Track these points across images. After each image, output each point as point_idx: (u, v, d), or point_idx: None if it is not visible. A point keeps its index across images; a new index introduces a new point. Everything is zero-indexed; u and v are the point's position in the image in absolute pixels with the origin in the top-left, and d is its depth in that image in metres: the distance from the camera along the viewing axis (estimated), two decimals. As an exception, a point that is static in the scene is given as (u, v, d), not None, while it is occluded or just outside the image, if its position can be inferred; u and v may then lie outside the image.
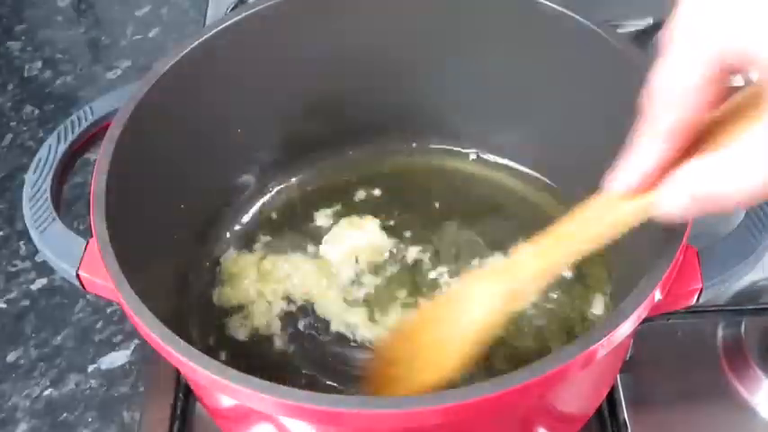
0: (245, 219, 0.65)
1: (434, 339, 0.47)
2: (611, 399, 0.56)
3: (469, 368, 0.45)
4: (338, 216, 0.64)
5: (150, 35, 0.91)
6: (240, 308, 0.60)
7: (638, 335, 0.49)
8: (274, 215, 0.65)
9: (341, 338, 0.58)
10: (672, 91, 0.35)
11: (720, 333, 0.60)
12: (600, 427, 0.56)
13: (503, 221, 0.63)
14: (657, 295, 0.42)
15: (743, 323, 0.59)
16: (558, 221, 0.42)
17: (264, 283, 0.61)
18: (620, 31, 0.79)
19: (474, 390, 0.38)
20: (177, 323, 0.56)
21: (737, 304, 0.61)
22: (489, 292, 0.45)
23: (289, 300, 0.60)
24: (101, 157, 0.49)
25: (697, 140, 0.36)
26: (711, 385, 0.57)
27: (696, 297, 0.45)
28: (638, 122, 0.37)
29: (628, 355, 0.56)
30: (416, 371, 0.47)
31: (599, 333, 0.40)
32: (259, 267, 0.61)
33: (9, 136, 0.81)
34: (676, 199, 0.35)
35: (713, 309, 0.60)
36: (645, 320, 0.42)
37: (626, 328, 0.41)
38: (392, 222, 0.63)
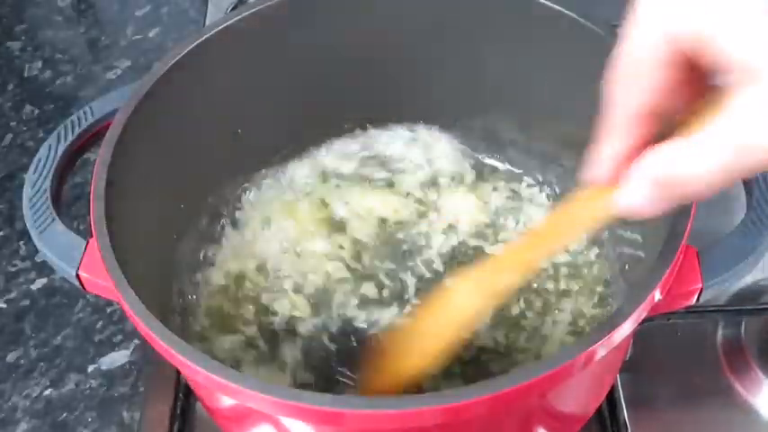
0: (247, 219, 0.65)
1: (425, 332, 0.50)
2: (611, 399, 0.56)
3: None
4: (338, 218, 0.64)
5: (150, 35, 0.91)
6: (236, 310, 0.60)
7: (638, 335, 0.49)
8: (276, 217, 0.65)
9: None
10: (629, 74, 0.35)
11: (720, 333, 0.60)
12: (600, 427, 0.56)
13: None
14: (657, 295, 0.42)
15: (743, 323, 0.60)
16: (538, 222, 0.44)
17: (261, 286, 0.60)
18: (620, 30, 0.79)
19: (474, 390, 0.38)
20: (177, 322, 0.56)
21: (737, 304, 0.61)
22: (474, 291, 0.47)
23: (287, 305, 0.60)
24: (101, 157, 0.49)
25: (666, 134, 0.36)
26: (711, 385, 0.57)
27: (696, 297, 0.45)
28: (602, 110, 0.37)
29: (628, 355, 0.56)
30: (408, 359, 0.50)
31: (599, 333, 0.40)
32: (257, 269, 0.61)
33: (9, 136, 0.81)
34: (639, 186, 0.35)
35: (713, 309, 0.60)
36: (645, 320, 0.42)
37: (626, 328, 0.41)
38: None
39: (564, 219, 0.43)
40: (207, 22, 0.87)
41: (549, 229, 0.45)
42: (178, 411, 0.58)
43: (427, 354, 0.48)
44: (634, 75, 0.35)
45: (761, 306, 0.60)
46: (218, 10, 0.87)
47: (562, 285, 0.59)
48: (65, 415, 0.61)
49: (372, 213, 0.64)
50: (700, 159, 0.32)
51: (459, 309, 0.48)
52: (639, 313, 0.41)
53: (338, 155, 0.67)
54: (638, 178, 0.35)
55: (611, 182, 0.38)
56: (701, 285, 0.44)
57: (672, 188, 0.34)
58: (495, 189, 0.65)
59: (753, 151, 0.31)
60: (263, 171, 0.65)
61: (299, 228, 0.64)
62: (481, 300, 0.47)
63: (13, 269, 0.70)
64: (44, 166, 0.52)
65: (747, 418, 0.56)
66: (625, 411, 0.56)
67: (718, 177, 0.32)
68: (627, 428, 0.55)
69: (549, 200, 0.64)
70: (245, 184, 0.65)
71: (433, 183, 0.65)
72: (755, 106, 0.31)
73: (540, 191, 0.64)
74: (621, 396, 0.56)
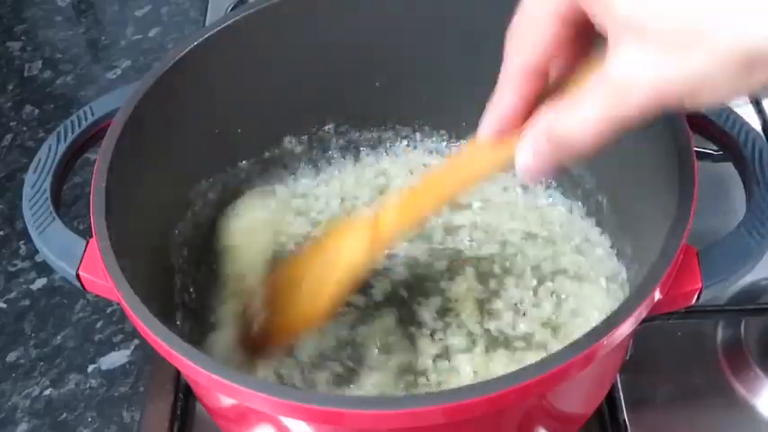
0: (245, 218, 0.65)
1: (312, 278, 0.52)
2: (611, 399, 0.56)
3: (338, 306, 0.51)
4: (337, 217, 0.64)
5: (150, 35, 0.91)
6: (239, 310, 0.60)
7: (638, 335, 0.49)
8: (276, 217, 0.65)
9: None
10: (523, 29, 0.38)
11: (720, 333, 0.60)
12: (599, 427, 0.56)
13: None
14: (657, 295, 0.42)
15: (743, 323, 0.59)
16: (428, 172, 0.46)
17: (263, 286, 0.60)
18: None
19: (474, 390, 0.38)
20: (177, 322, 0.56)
21: (737, 304, 0.61)
22: (356, 243, 0.49)
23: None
24: (101, 157, 0.49)
25: (555, 95, 0.38)
26: (711, 385, 0.57)
27: (696, 297, 0.45)
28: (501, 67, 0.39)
29: (628, 355, 0.56)
30: (297, 304, 0.52)
31: (599, 333, 0.40)
32: (258, 269, 0.61)
33: (9, 136, 0.81)
34: (531, 143, 0.37)
35: (713, 309, 0.60)
36: (645, 320, 0.42)
37: (626, 327, 0.41)
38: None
39: (454, 170, 0.45)
40: (207, 22, 0.87)
41: (438, 181, 0.46)
42: (178, 411, 0.58)
43: (316, 300, 0.51)
44: (527, 29, 0.37)
45: (761, 306, 0.60)
46: (218, 10, 0.87)
47: None
48: (65, 415, 0.61)
49: None
50: (579, 114, 0.35)
51: (350, 253, 0.49)
52: (639, 313, 0.41)
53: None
54: (530, 136, 0.37)
55: (498, 137, 0.40)
56: (700, 285, 0.44)
57: (559, 145, 0.36)
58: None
59: (625, 95, 0.33)
60: (263, 170, 0.65)
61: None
62: (371, 244, 0.48)
63: (13, 269, 0.70)
64: (44, 166, 0.52)
65: (747, 418, 0.56)
66: (624, 411, 0.56)
67: (597, 129, 0.34)
68: (626, 428, 0.55)
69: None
70: (245, 184, 0.65)
71: None
72: (628, 55, 0.32)
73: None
74: (621, 396, 0.56)
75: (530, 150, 0.37)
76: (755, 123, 0.70)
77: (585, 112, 0.34)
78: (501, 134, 0.40)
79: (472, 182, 0.44)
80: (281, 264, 0.57)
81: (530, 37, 0.37)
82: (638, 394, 0.57)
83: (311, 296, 0.52)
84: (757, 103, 0.71)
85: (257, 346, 0.54)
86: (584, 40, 0.37)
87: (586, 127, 0.35)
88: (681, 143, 0.47)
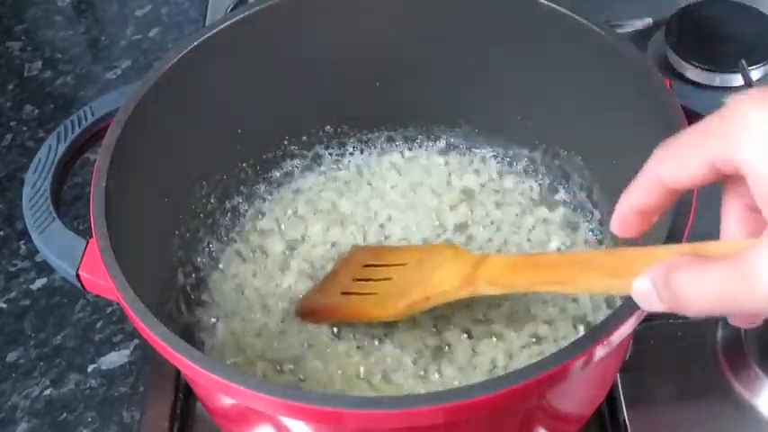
0: (246, 219, 0.65)
1: (401, 277, 0.53)
2: (611, 399, 0.56)
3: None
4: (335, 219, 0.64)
5: (150, 35, 0.91)
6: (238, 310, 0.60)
7: (637, 335, 0.49)
8: (274, 217, 0.65)
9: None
10: (669, 152, 0.37)
11: (720, 333, 0.60)
12: (599, 427, 0.56)
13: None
14: (657, 295, 0.42)
15: (743, 323, 0.59)
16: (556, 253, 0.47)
17: (261, 287, 0.60)
18: (620, 31, 0.79)
19: (474, 390, 0.38)
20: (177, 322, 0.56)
21: (737, 304, 0.61)
22: (455, 274, 0.49)
23: (288, 301, 0.60)
24: (101, 157, 0.49)
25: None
26: (711, 385, 0.57)
27: (696, 297, 0.45)
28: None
29: (628, 355, 0.56)
30: (376, 294, 0.53)
31: (599, 333, 0.40)
32: (256, 269, 0.61)
33: (9, 136, 0.81)
34: (654, 277, 0.36)
35: (713, 309, 0.60)
36: (645, 320, 0.42)
37: (626, 328, 0.41)
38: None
39: (578, 273, 0.43)
40: (207, 22, 0.87)
41: (555, 267, 0.45)
42: (178, 411, 0.58)
43: (404, 298, 0.51)
44: (675, 157, 0.36)
45: (761, 306, 0.60)
46: (218, 10, 0.87)
47: None
48: (65, 415, 0.61)
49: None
50: (698, 283, 0.33)
51: (446, 278, 0.50)
52: (639, 313, 0.41)
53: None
54: (656, 269, 0.36)
55: (622, 231, 0.40)
56: (700, 285, 0.44)
57: (673, 293, 0.35)
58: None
59: (752, 295, 0.31)
60: (262, 170, 0.65)
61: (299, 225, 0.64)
62: (464, 283, 0.49)
63: (13, 269, 0.70)
64: (44, 166, 0.52)
65: (747, 418, 0.56)
66: (625, 411, 0.56)
67: (709, 307, 0.33)
68: (626, 428, 0.55)
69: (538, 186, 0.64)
70: (245, 185, 0.65)
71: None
72: (760, 261, 0.31)
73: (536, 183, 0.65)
74: (621, 396, 0.56)
75: (648, 282, 0.36)
76: (755, 123, 0.69)
77: (704, 286, 0.33)
78: (628, 226, 0.40)
79: (583, 291, 0.45)
80: (368, 249, 0.59)
81: (675, 162, 0.36)
82: (638, 394, 0.57)
83: (394, 293, 0.52)
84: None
85: (308, 310, 0.57)
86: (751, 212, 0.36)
87: (701, 299, 0.33)
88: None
